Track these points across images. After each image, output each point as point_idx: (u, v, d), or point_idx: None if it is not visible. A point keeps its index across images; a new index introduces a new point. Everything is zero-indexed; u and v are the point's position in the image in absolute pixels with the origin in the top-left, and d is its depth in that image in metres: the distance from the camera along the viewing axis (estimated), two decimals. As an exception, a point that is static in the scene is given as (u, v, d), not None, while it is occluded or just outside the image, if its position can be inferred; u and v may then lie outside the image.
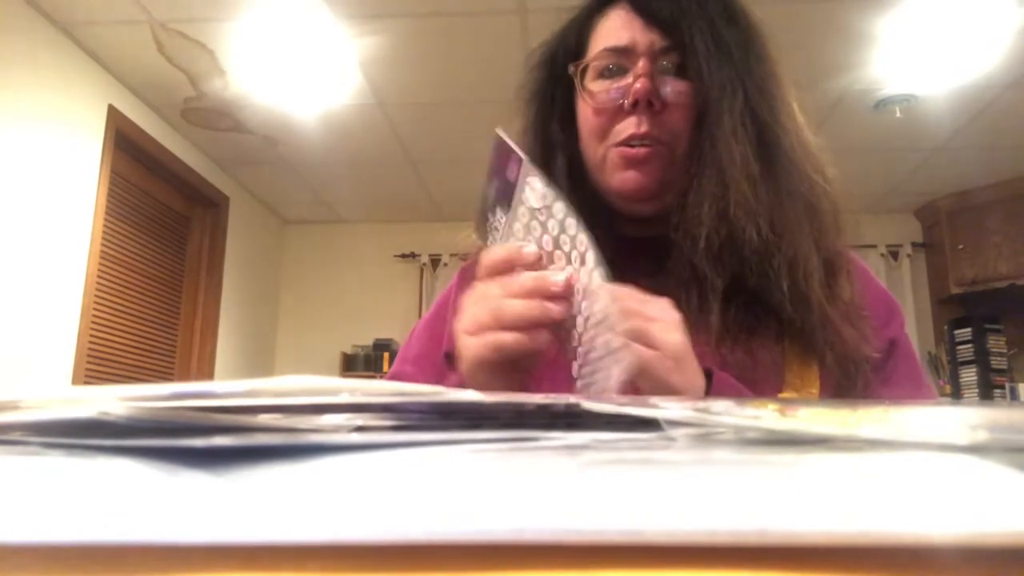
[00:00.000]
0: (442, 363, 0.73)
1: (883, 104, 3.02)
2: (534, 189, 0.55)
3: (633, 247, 0.71)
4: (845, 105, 3.03)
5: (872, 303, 0.70)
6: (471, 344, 0.53)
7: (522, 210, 0.56)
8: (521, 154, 0.54)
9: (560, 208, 0.54)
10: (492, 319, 0.52)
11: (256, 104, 3.03)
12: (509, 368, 0.53)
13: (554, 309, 0.52)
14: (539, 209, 0.55)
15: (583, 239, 0.53)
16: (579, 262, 0.53)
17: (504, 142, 0.55)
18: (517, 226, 0.56)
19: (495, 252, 0.54)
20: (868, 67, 2.76)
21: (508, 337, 0.51)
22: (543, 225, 0.55)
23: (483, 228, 0.60)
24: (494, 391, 0.55)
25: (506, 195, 0.56)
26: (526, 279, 0.53)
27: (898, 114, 3.05)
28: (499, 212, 0.57)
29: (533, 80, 0.77)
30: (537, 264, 0.54)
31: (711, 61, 0.66)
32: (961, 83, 2.86)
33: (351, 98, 3.00)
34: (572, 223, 0.54)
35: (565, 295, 0.52)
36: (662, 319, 0.53)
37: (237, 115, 3.14)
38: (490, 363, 0.53)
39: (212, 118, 3.18)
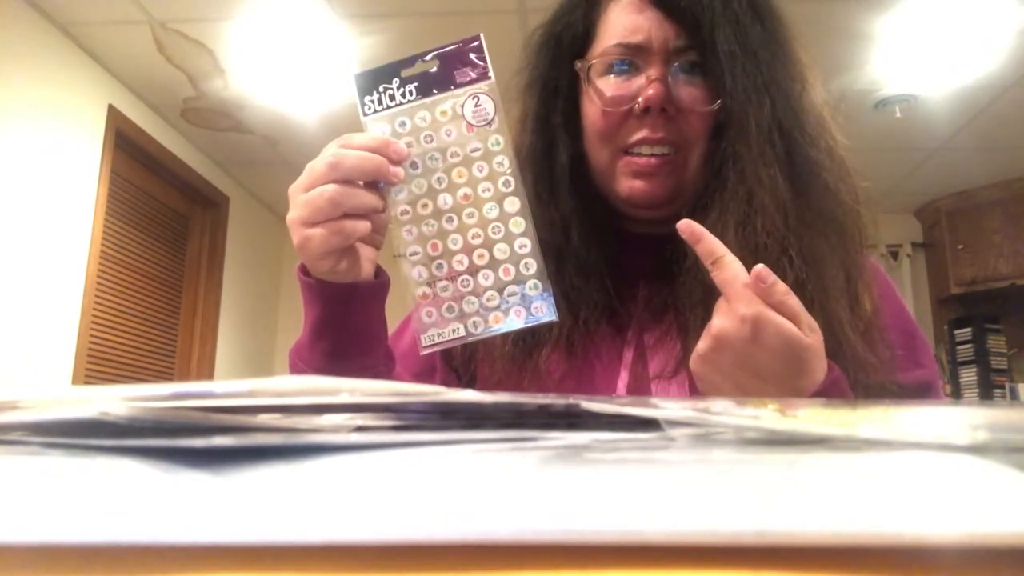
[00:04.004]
0: (429, 359, 0.71)
1: (883, 104, 3.02)
2: (479, 107, 0.55)
3: (636, 246, 0.69)
4: (845, 105, 3.03)
5: (896, 333, 0.65)
6: (301, 198, 0.54)
7: (445, 108, 0.55)
8: (491, 71, 0.54)
9: (495, 141, 0.55)
10: (328, 169, 0.53)
11: (256, 104, 3.03)
12: (338, 231, 0.53)
13: (391, 168, 0.53)
14: (470, 124, 0.55)
15: (510, 181, 0.55)
16: (490, 195, 0.55)
17: (482, 48, 0.55)
18: (424, 115, 0.55)
19: (362, 137, 0.55)
20: (868, 67, 2.76)
21: (339, 188, 0.52)
22: (460, 139, 0.55)
23: (372, 81, 0.56)
24: (319, 265, 0.56)
25: (435, 84, 0.55)
26: (367, 136, 0.54)
27: (898, 114, 3.05)
28: (409, 88, 0.55)
29: (533, 65, 0.71)
30: (399, 163, 0.54)
31: (735, 64, 0.60)
32: (961, 83, 2.85)
33: (351, 98, 2.99)
34: (505, 162, 0.55)
35: (401, 162, 0.54)
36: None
37: (237, 115, 3.14)
38: (320, 215, 0.53)
39: (212, 118, 3.18)
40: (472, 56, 0.55)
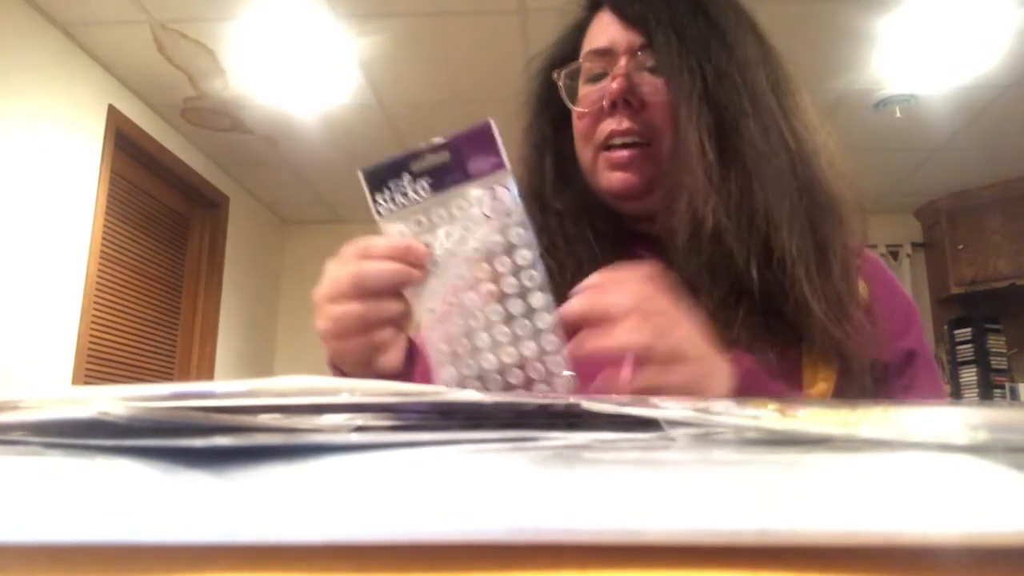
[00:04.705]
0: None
1: (883, 104, 3.02)
2: (497, 199, 0.53)
3: (641, 243, 0.74)
4: (845, 105, 3.03)
5: (888, 306, 0.69)
6: (329, 312, 0.54)
7: (462, 203, 0.53)
8: (506, 159, 0.53)
9: (517, 234, 0.53)
10: (352, 286, 0.53)
11: (256, 104, 3.03)
12: (367, 343, 0.54)
13: (414, 273, 0.53)
14: (488, 217, 0.53)
15: (534, 275, 0.53)
16: (515, 291, 0.53)
17: (492, 133, 0.53)
18: (440, 211, 0.54)
19: (382, 245, 0.54)
20: (868, 67, 2.76)
21: (365, 305, 0.53)
22: (480, 234, 0.54)
23: (382, 177, 0.54)
24: (353, 369, 0.56)
25: (448, 178, 0.54)
26: (387, 243, 0.54)
27: (898, 114, 3.05)
28: (421, 184, 0.54)
29: (532, 87, 0.80)
30: (423, 264, 0.54)
31: (672, 54, 0.67)
32: (961, 83, 2.85)
33: (351, 98, 3.00)
34: (527, 255, 0.53)
35: (423, 263, 0.54)
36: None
37: (237, 115, 3.14)
38: (349, 332, 0.54)
39: (212, 118, 3.18)
40: (484, 144, 0.53)
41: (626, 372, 0.49)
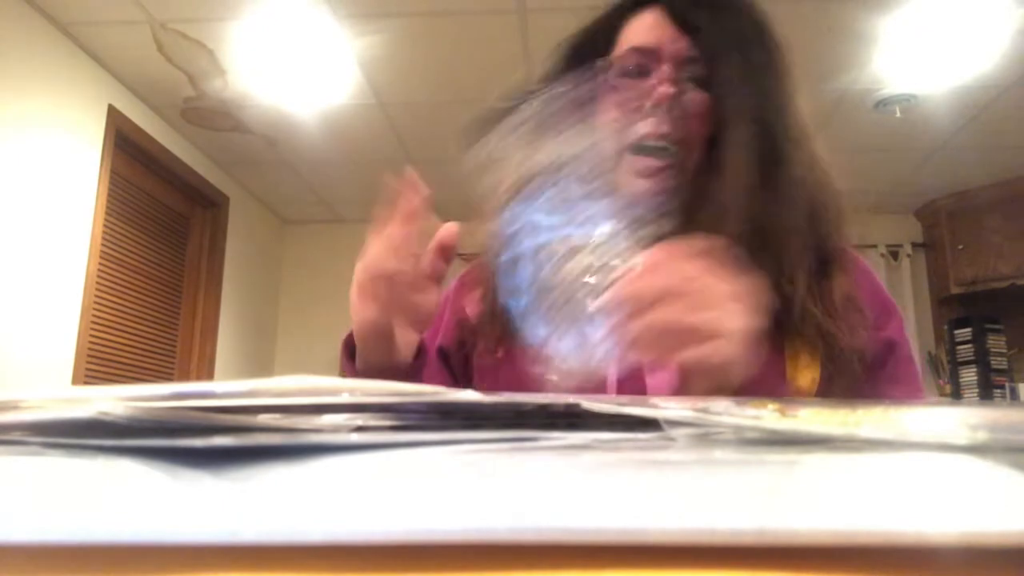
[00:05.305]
0: (434, 359, 0.75)
1: (883, 104, 3.02)
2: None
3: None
4: (845, 105, 3.03)
5: (870, 303, 0.71)
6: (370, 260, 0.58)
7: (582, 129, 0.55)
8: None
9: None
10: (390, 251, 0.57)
11: (256, 104, 3.03)
12: (404, 303, 0.58)
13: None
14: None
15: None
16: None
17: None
18: (570, 135, 0.55)
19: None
20: (868, 67, 2.75)
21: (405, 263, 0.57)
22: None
23: (492, 118, 0.56)
24: (373, 344, 0.58)
25: (578, 105, 0.55)
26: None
27: (898, 114, 3.05)
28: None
29: (552, 70, 0.77)
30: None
31: (736, 81, 0.66)
32: (961, 83, 2.85)
33: (351, 98, 3.00)
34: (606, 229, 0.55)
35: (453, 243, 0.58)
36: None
37: (237, 115, 3.14)
38: (387, 287, 0.58)
39: (212, 118, 3.18)
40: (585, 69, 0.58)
41: (663, 377, 0.50)
